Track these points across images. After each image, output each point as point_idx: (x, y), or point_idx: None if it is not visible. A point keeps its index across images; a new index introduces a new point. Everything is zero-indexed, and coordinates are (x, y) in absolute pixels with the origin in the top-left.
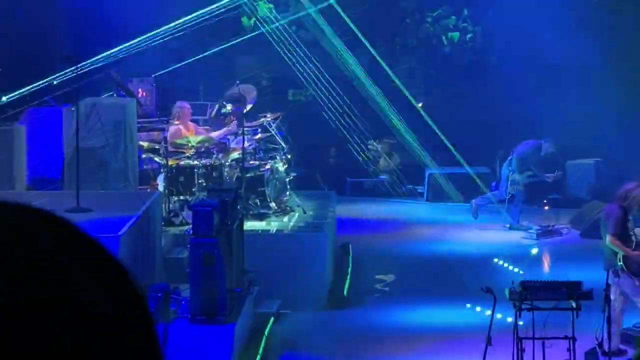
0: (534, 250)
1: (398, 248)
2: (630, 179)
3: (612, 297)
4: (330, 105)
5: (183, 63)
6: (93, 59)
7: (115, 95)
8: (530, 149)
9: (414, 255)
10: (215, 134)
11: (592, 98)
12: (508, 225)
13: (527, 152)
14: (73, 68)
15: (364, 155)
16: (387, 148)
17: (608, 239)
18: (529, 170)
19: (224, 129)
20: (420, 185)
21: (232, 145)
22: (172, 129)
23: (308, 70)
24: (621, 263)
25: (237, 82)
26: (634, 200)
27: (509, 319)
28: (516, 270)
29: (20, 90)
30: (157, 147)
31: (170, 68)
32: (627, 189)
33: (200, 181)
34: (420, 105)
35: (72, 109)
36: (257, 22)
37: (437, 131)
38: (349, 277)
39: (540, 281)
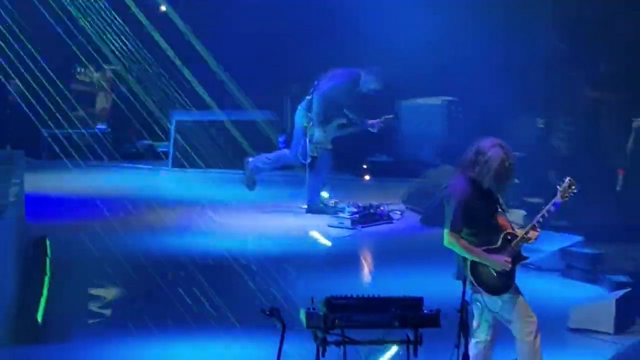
0: (346, 246)
1: (126, 244)
2: (494, 130)
3: (473, 322)
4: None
5: None
6: None
7: None
8: (341, 83)
9: (151, 256)
10: None
11: (442, 15)
12: (305, 206)
13: (336, 89)
14: None
15: (66, 95)
16: (110, 81)
17: (445, 236)
18: (340, 117)
19: None
20: (162, 141)
21: None
22: None
23: None
24: (470, 274)
25: None
26: (486, 167)
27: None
28: (317, 278)
29: None
30: None
31: None
32: (478, 149)
33: None
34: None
35: None
36: None
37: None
38: (45, 291)
39: (357, 297)
